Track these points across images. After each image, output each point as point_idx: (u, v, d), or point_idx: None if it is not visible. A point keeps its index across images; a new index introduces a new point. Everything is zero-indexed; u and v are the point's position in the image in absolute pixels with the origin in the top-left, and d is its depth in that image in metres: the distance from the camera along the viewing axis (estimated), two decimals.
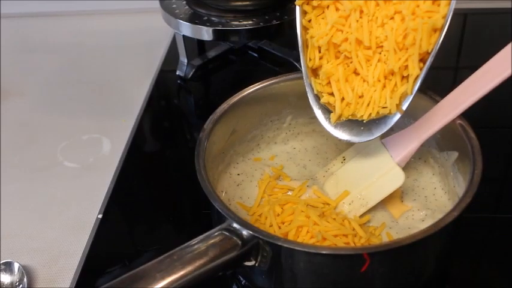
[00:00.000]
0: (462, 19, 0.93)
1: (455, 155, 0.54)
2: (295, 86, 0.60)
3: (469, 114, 0.52)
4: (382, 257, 0.45)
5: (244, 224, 0.45)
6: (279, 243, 0.44)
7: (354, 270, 0.45)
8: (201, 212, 0.61)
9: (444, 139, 0.56)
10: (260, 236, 0.44)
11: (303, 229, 0.50)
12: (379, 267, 0.46)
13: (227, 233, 0.44)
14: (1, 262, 0.56)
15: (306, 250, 0.44)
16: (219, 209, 0.46)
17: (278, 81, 0.60)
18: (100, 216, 0.62)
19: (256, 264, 0.46)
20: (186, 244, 0.44)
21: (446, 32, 0.62)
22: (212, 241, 0.44)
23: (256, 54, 0.89)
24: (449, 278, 0.55)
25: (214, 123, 0.55)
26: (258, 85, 0.59)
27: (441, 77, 0.82)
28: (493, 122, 0.73)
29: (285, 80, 0.60)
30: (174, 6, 0.80)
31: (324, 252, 0.44)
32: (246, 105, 0.59)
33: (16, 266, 0.56)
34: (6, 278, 0.55)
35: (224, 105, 0.57)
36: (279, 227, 0.51)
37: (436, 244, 0.49)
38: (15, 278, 0.55)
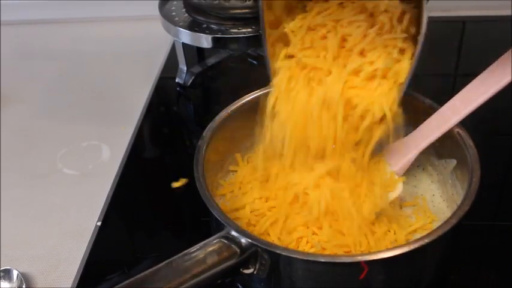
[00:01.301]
0: (461, 26, 0.93)
1: (453, 162, 0.55)
2: None
3: (467, 122, 0.52)
4: (380, 265, 0.45)
5: (243, 232, 0.45)
6: (278, 251, 0.44)
7: (352, 278, 0.45)
8: (201, 219, 0.61)
9: (442, 147, 0.56)
10: (259, 244, 0.44)
11: (303, 239, 0.50)
12: (378, 275, 0.46)
13: (226, 241, 0.44)
14: (0, 269, 0.56)
15: (304, 258, 0.44)
16: (217, 217, 0.46)
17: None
18: (99, 223, 0.62)
19: (255, 272, 0.46)
20: (184, 252, 0.44)
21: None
22: (211, 249, 0.44)
23: (255, 62, 0.89)
24: (449, 285, 0.55)
25: (213, 131, 0.56)
26: (256, 93, 0.60)
27: (440, 84, 0.82)
28: (492, 129, 0.73)
29: None
30: (174, 13, 0.81)
31: (322, 260, 0.44)
32: (244, 113, 0.59)
33: (15, 273, 0.56)
34: (5, 285, 0.55)
35: (223, 113, 0.58)
36: (279, 238, 0.51)
37: (435, 252, 0.49)
38: (14, 285, 0.55)
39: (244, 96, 0.59)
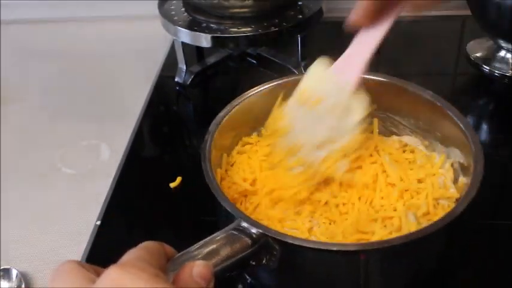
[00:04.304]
0: (460, 25, 0.93)
1: (456, 152, 0.55)
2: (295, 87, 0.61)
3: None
4: (386, 253, 0.45)
5: (254, 223, 0.45)
6: (289, 241, 0.44)
7: (359, 266, 0.46)
8: (201, 218, 0.61)
9: (447, 142, 0.57)
10: (269, 234, 0.44)
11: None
12: (380, 264, 0.47)
13: (236, 233, 0.44)
14: None
15: (316, 247, 0.44)
16: (228, 209, 0.46)
17: (280, 83, 0.61)
18: (98, 222, 0.62)
19: (266, 263, 0.46)
20: (202, 243, 0.43)
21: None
22: (223, 241, 0.43)
23: (254, 61, 0.89)
24: (450, 281, 0.55)
25: (218, 125, 0.56)
26: (260, 87, 0.60)
27: (439, 82, 0.82)
28: (493, 129, 0.74)
29: (286, 82, 0.61)
30: (173, 13, 0.81)
31: (334, 249, 0.44)
32: (248, 107, 0.59)
33: (14, 272, 0.56)
34: (4, 285, 0.55)
35: (228, 107, 0.58)
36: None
37: (435, 243, 0.49)
38: (13, 284, 0.55)
39: (248, 91, 0.59)
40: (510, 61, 0.80)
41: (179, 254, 0.41)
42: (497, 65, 0.80)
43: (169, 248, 0.40)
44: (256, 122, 0.62)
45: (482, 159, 0.49)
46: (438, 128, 0.58)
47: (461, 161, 0.55)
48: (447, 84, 0.84)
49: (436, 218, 0.47)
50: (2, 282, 0.55)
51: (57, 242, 0.61)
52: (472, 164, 0.50)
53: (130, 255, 0.37)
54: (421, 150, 0.59)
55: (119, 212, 0.65)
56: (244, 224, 0.45)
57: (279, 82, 0.61)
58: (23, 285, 0.55)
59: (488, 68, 0.80)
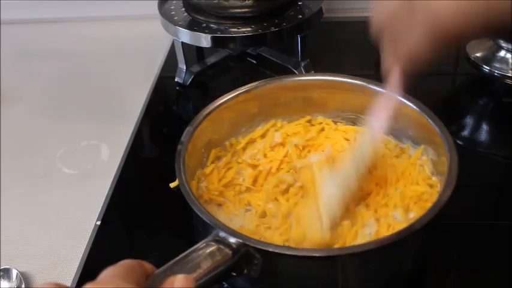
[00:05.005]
0: None
1: (429, 150, 0.56)
2: (265, 94, 0.62)
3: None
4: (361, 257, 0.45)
5: (232, 232, 0.45)
6: (270, 250, 0.44)
7: (346, 271, 0.46)
8: None
9: (417, 138, 0.58)
10: (250, 244, 0.44)
11: None
12: (368, 266, 0.47)
13: (216, 244, 0.44)
14: None
15: (297, 254, 0.44)
16: (206, 220, 0.46)
17: (249, 89, 0.61)
18: (98, 222, 0.62)
19: (247, 273, 0.45)
20: (182, 256, 0.43)
21: None
22: (203, 254, 0.43)
23: (254, 61, 0.89)
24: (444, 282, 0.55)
25: (191, 135, 0.56)
26: (229, 95, 0.60)
27: (439, 82, 0.82)
28: (493, 129, 0.74)
29: (255, 87, 0.61)
30: (173, 13, 0.81)
31: (317, 255, 0.44)
32: (219, 115, 0.60)
33: (14, 272, 0.56)
34: (4, 285, 0.55)
35: (199, 117, 0.58)
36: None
37: (414, 244, 0.50)
38: (14, 284, 0.55)
39: (218, 99, 0.60)
40: (510, 61, 0.80)
41: (160, 269, 0.41)
42: (497, 65, 0.80)
43: (148, 265, 0.41)
44: (229, 126, 0.62)
45: (456, 157, 0.49)
46: (409, 128, 0.58)
47: (434, 158, 0.55)
48: (447, 84, 0.84)
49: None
50: (2, 282, 0.55)
51: (57, 242, 0.61)
52: (447, 163, 0.49)
53: (107, 272, 0.38)
54: (392, 141, 0.60)
55: (118, 212, 0.65)
56: (223, 234, 0.44)
57: (248, 88, 0.61)
58: (23, 285, 0.55)
59: (488, 68, 0.80)
